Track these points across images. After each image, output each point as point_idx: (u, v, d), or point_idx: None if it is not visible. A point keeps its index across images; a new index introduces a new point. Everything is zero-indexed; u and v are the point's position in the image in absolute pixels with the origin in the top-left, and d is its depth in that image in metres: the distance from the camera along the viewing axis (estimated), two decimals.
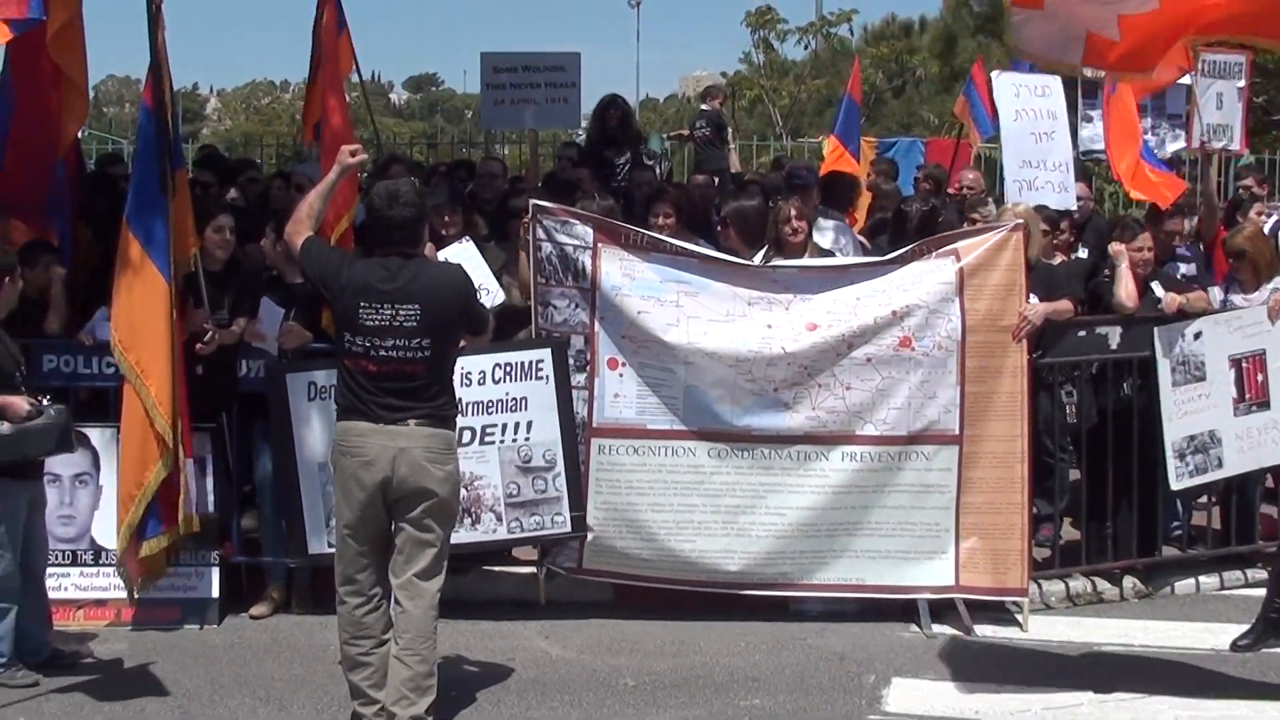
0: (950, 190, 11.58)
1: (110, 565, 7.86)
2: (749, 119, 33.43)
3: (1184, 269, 9.60)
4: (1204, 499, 9.27)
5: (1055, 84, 11.15)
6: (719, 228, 8.86)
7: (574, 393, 7.91)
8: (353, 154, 6.71)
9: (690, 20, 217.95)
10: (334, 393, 7.91)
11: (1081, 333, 8.53)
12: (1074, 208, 9.77)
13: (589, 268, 7.92)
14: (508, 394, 7.91)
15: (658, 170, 14.02)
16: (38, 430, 6.87)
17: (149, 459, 7.46)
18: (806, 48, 33.85)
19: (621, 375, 7.99)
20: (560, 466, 7.87)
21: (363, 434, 6.23)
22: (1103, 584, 8.65)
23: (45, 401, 7.01)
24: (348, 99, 9.68)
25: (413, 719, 6.19)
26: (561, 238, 7.93)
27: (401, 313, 6.16)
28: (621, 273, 7.95)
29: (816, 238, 9.53)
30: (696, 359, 7.90)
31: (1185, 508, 9.23)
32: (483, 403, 7.87)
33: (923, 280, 7.98)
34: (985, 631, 7.94)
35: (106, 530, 7.80)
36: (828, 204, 10.52)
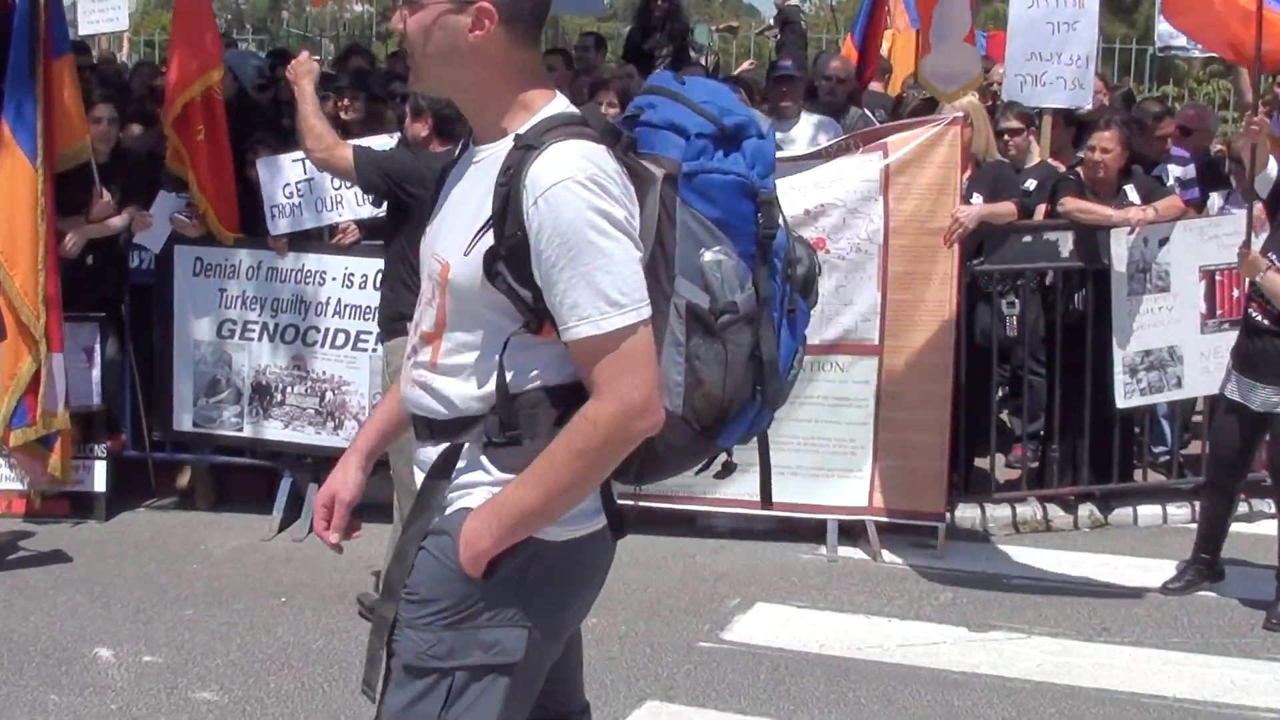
0: None
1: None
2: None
3: (1177, 172, 8.65)
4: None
5: None
6: None
7: None
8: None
9: None
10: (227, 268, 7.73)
11: (1028, 238, 7.79)
12: (1087, 107, 8.89)
13: None
14: None
15: (703, 64, 13.36)
16: None
17: (21, 351, 7.33)
18: None
19: None
20: None
21: None
22: (1055, 511, 7.99)
23: None
24: None
25: None
26: None
27: None
28: None
29: (791, 133, 8.94)
30: None
31: (1174, 434, 8.48)
32: (360, 307, 7.53)
33: (844, 177, 7.33)
34: (895, 559, 7.34)
35: None
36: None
